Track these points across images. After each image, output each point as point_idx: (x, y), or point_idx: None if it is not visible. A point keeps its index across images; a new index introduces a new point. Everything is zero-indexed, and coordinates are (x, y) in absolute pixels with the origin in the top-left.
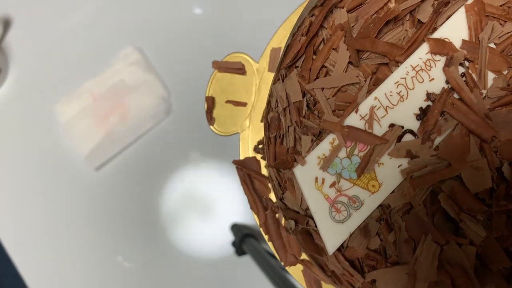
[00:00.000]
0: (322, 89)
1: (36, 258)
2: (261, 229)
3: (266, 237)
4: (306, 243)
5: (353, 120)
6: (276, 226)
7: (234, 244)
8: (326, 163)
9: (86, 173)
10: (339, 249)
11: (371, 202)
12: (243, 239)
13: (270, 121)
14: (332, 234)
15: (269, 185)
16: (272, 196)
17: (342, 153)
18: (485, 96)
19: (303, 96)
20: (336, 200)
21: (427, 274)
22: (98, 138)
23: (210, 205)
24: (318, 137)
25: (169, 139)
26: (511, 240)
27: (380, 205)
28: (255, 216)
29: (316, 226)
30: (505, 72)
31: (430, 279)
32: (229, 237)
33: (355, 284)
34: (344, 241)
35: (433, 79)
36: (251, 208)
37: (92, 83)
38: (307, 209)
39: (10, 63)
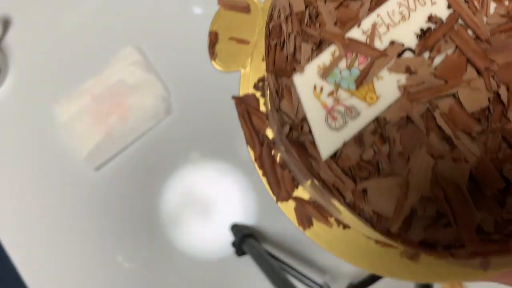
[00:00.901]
0: (325, 1)
1: (36, 258)
2: (255, 164)
3: (260, 172)
4: (299, 154)
5: (355, 34)
6: (270, 161)
7: (234, 244)
8: (326, 72)
9: (86, 173)
10: (332, 158)
11: (367, 113)
12: (243, 239)
13: (271, 28)
14: (327, 140)
15: (266, 121)
16: (269, 132)
17: (342, 64)
18: (485, 23)
19: (306, 8)
20: (333, 108)
21: (420, 185)
22: (98, 138)
23: (210, 205)
24: (319, 47)
25: (169, 139)
26: (505, 165)
27: (376, 119)
28: (251, 151)
29: (310, 131)
30: (506, 3)
31: (423, 190)
32: (229, 237)
33: (345, 193)
34: (338, 150)
35: (435, 2)
36: (247, 142)
37: (92, 83)
38: (303, 118)
39: (10, 63)
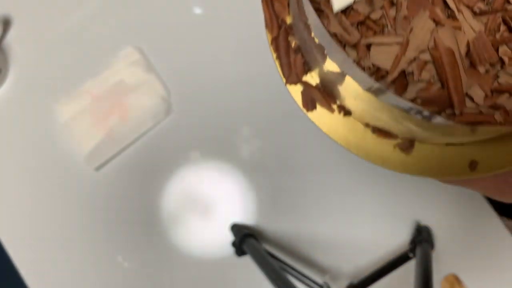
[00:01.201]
0: None
1: (36, 258)
2: (270, 47)
3: (274, 55)
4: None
5: None
6: (285, 45)
7: (234, 244)
8: None
9: (86, 173)
10: (342, 13)
11: None
12: (243, 239)
13: None
14: None
15: (287, 7)
16: (288, 19)
17: None
18: None
19: None
20: None
21: (419, 45)
22: (98, 138)
23: (210, 205)
24: None
25: (169, 139)
26: (502, 46)
27: None
28: (268, 35)
29: None
30: None
31: (420, 50)
32: (229, 237)
33: (350, 50)
34: (349, 7)
35: None
36: (266, 25)
37: (92, 83)
38: None
39: (10, 63)
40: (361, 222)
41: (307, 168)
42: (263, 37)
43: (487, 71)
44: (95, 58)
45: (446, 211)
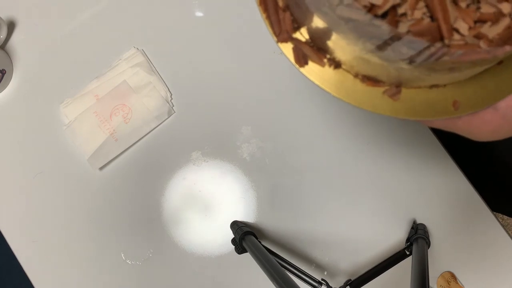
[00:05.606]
0: None
1: (39, 256)
2: (259, 8)
3: (263, 15)
4: None
5: None
6: (274, 4)
7: (234, 241)
8: None
9: (89, 172)
10: None
11: None
12: (243, 236)
13: None
14: None
15: None
16: None
17: None
18: None
19: None
20: None
21: None
22: (102, 139)
23: (211, 204)
24: None
25: (171, 139)
26: None
27: None
28: None
29: None
30: None
31: None
32: (230, 235)
33: None
34: None
35: None
36: None
37: (96, 84)
38: None
39: (15, 64)
40: (358, 221)
41: (306, 168)
42: (263, 39)
43: (468, 6)
44: (99, 59)
45: (442, 209)
